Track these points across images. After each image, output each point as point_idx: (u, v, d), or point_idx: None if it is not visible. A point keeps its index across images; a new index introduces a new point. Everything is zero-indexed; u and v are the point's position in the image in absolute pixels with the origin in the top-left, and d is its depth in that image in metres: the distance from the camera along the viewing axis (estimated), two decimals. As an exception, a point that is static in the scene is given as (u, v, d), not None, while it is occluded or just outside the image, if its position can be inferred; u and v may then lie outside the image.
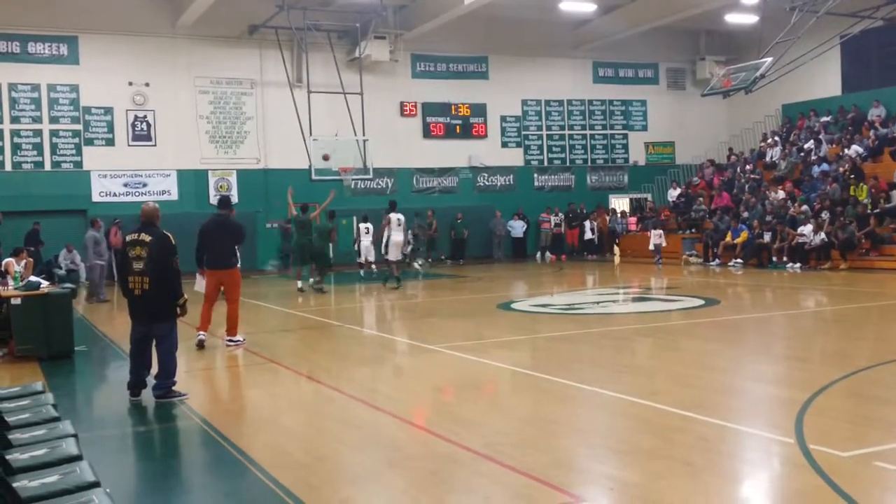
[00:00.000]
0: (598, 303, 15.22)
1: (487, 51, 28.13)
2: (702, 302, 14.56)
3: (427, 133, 27.67)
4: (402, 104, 27.30)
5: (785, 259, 21.30)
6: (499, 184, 28.71)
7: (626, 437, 6.29)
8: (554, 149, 29.72)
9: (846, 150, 24.53)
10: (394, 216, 18.12)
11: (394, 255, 18.13)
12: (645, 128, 30.80)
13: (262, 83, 25.41)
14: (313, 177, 24.01)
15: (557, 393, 7.83)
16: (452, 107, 27.97)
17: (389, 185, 27.03)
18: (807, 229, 21.20)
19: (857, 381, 7.78)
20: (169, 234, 7.84)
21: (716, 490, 5.04)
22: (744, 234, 22.72)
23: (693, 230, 25.87)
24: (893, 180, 21.49)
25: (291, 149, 24.70)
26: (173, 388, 7.84)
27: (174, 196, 24.30)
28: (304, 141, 23.54)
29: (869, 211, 20.93)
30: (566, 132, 29.84)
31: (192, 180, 24.74)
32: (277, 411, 7.49)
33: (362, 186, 26.54)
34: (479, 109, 28.32)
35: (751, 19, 26.54)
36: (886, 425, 6.30)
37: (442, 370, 9.35)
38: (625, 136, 30.58)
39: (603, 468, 5.52)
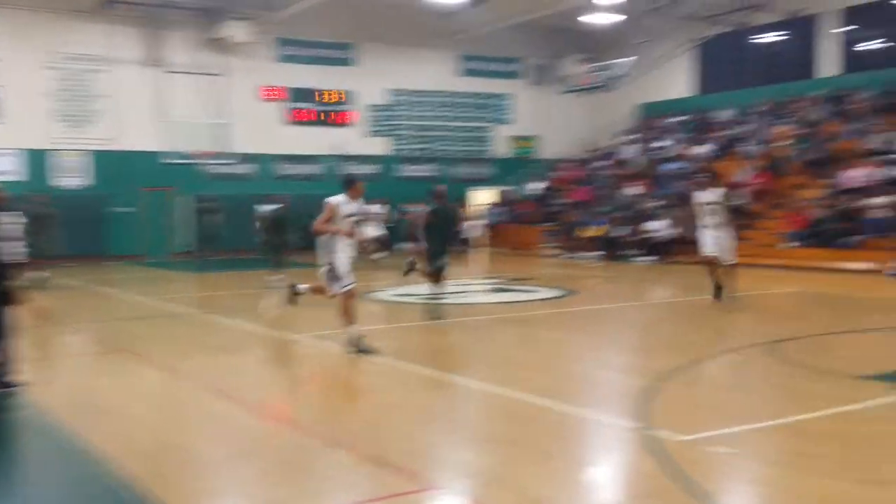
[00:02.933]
0: (460, 293, 15.41)
1: (356, 38, 27.88)
2: (560, 293, 14.98)
3: (291, 119, 27.17)
4: (264, 88, 26.67)
5: (639, 252, 22.24)
6: (365, 173, 28.56)
7: (483, 426, 6.39)
8: (420, 139, 29.82)
9: (695, 150, 25.83)
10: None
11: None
12: (510, 121, 31.36)
13: (115, 60, 24.20)
14: (166, 160, 23.17)
15: (416, 382, 7.87)
16: (318, 93, 27.57)
17: (253, 170, 26.40)
18: (658, 224, 22.20)
19: (699, 369, 8.20)
20: None
21: (563, 475, 5.19)
22: (601, 228, 23.56)
23: (553, 223, 26.60)
24: (737, 179, 22.76)
25: (146, 130, 23.73)
26: (6, 377, 7.37)
27: (21, 176, 22.85)
28: (160, 122, 22.66)
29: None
30: (433, 123, 30.00)
31: (40, 160, 23.36)
32: (125, 400, 7.17)
33: (224, 172, 25.79)
34: (347, 97, 28.05)
35: (611, 19, 27.45)
36: (723, 410, 6.67)
37: (300, 360, 9.21)
38: (489, 130, 31.03)
39: (458, 456, 5.58)
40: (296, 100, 27.20)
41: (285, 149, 27.01)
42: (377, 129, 28.87)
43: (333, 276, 8.77)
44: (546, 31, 30.36)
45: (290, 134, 27.09)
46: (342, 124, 28.05)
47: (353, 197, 8.96)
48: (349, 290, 8.77)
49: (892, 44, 25.38)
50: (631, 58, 22.31)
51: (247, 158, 26.12)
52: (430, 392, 7.57)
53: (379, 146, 28.93)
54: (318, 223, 8.77)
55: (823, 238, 18.96)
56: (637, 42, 22.33)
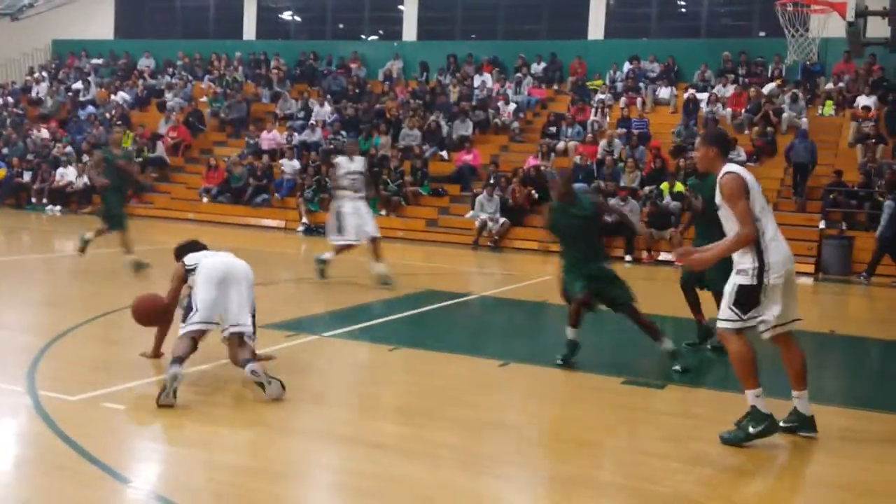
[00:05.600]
0: None
1: None
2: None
3: None
4: None
5: (45, 201, 20.37)
6: None
7: None
8: None
9: (114, 96, 24.58)
10: None
11: None
12: None
13: None
14: None
15: None
16: None
17: None
18: (70, 171, 20.61)
19: (98, 325, 7.62)
20: None
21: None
22: (2, 172, 20.99)
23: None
24: (158, 131, 22.27)
25: None
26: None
27: None
28: None
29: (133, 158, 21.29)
30: None
31: None
32: None
33: None
34: None
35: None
36: (116, 367, 6.22)
37: None
38: None
39: None
40: None
41: None
42: None
43: None
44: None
45: None
46: None
47: None
48: None
49: (302, 17, 27.36)
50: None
51: None
52: None
53: None
54: None
55: (238, 195, 19.57)
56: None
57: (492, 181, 17.54)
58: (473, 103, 21.35)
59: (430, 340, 7.74)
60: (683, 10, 23.85)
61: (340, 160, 11.08)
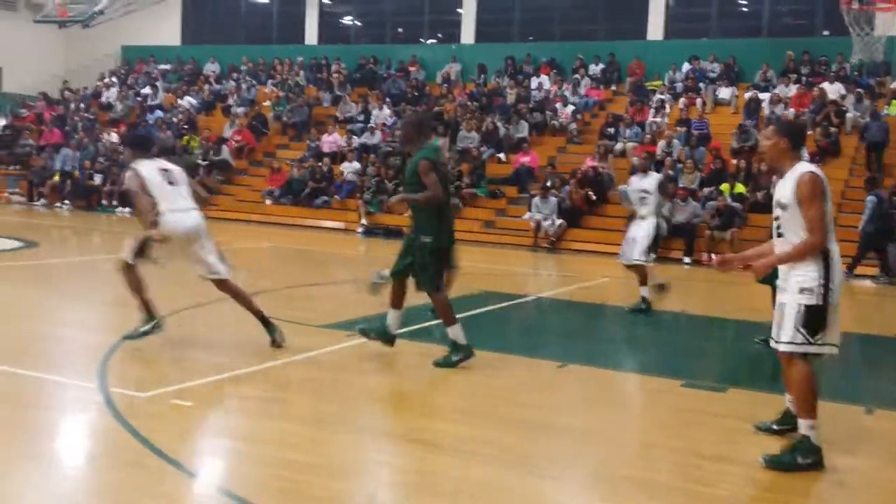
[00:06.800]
0: None
1: None
2: (19, 244, 13.36)
3: None
4: None
5: (115, 203, 21.00)
6: None
7: None
8: None
9: (181, 101, 25.20)
10: None
11: None
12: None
13: None
14: None
15: None
16: None
17: None
18: (139, 174, 21.19)
19: (169, 323, 7.85)
20: None
21: (17, 443, 4.56)
22: (74, 174, 21.73)
23: (17, 167, 23.78)
24: (223, 135, 22.76)
25: None
26: None
27: None
28: None
29: (199, 162, 21.83)
30: None
31: None
32: None
33: None
34: None
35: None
36: (184, 365, 6.46)
37: None
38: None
39: None
40: None
41: None
42: None
43: None
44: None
45: None
46: None
47: None
48: None
49: (363, 23, 27.67)
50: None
51: None
52: None
53: None
54: None
55: (298, 197, 19.92)
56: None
57: (547, 183, 17.54)
58: (531, 105, 21.35)
59: (488, 341, 7.80)
60: (745, 9, 23.47)
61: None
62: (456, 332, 6.55)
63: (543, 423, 5.41)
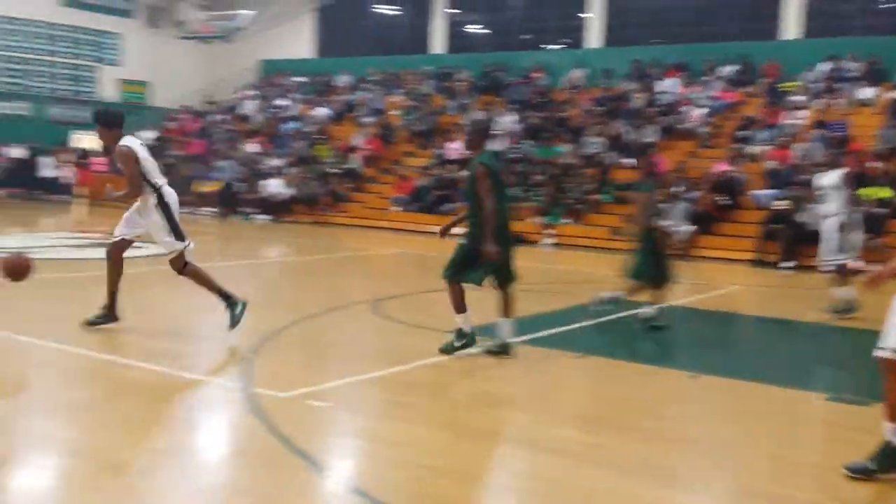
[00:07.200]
0: (52, 247, 13.89)
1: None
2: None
3: None
4: None
5: (255, 210, 21.93)
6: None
7: (71, 393, 5.72)
8: (10, 73, 26.39)
9: (314, 111, 26.10)
10: None
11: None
12: (117, 63, 29.01)
13: None
14: None
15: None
16: None
17: None
18: (275, 183, 22.08)
19: (304, 326, 8.20)
20: None
21: (162, 439, 4.87)
22: (217, 183, 22.83)
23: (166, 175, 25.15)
24: (352, 143, 23.43)
25: None
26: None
27: None
28: None
29: (330, 170, 22.55)
30: (26, 55, 26.69)
31: None
32: None
33: None
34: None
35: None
36: (323, 366, 6.72)
37: None
38: (94, 70, 28.43)
39: (43, 427, 4.92)
40: None
41: None
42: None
43: None
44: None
45: None
46: None
47: None
48: None
49: (489, 30, 27.86)
50: (251, 11, 21.76)
51: None
52: (16, 360, 6.62)
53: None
54: None
55: (426, 204, 20.25)
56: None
57: (672, 189, 17.16)
58: (659, 108, 20.95)
59: (617, 349, 7.74)
60: (888, 4, 22.26)
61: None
62: (463, 320, 6.87)
63: (676, 434, 5.33)
